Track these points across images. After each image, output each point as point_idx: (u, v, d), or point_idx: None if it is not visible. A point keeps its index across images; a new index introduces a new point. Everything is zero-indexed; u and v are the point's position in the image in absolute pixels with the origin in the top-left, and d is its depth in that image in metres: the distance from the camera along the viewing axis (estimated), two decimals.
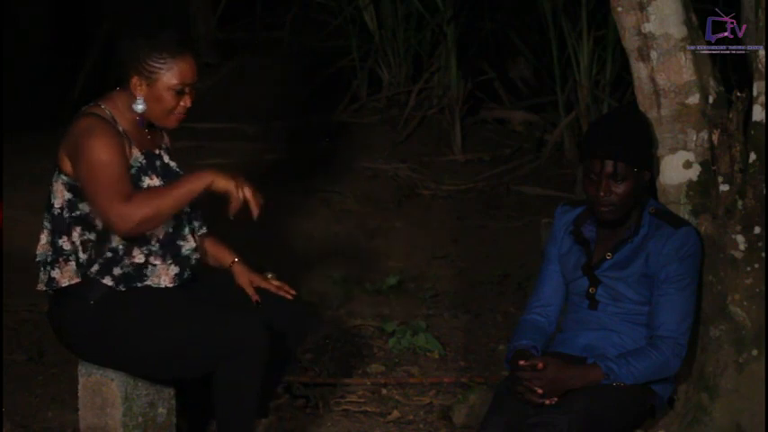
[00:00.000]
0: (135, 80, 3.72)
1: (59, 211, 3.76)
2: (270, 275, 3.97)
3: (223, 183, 3.64)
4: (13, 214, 6.05)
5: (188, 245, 3.82)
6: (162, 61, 3.71)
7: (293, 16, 8.63)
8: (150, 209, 3.61)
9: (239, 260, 3.98)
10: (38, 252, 3.81)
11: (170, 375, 3.88)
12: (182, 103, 3.76)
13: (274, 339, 3.72)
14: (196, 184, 3.65)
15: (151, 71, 3.71)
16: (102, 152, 3.63)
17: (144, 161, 3.76)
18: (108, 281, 3.74)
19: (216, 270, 3.99)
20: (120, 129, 3.73)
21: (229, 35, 8.97)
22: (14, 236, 5.72)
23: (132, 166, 3.73)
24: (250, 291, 3.92)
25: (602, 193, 3.68)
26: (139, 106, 3.74)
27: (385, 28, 7.96)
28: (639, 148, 3.74)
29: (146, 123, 3.79)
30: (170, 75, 3.72)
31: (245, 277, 3.95)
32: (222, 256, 3.99)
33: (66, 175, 3.73)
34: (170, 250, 3.78)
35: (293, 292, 3.95)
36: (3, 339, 5.00)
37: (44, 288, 3.80)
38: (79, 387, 3.90)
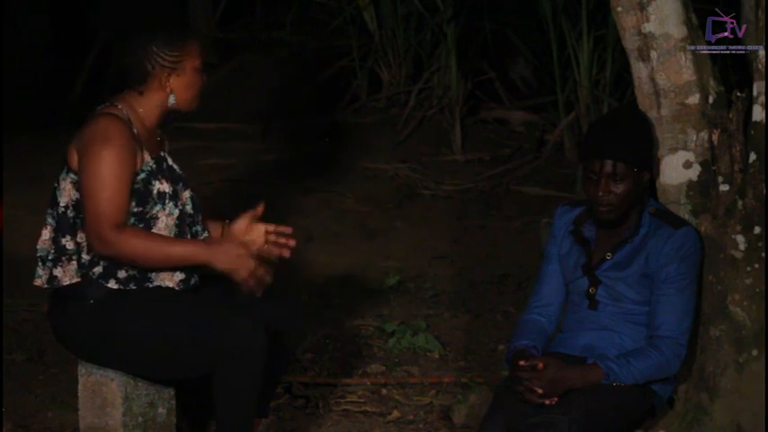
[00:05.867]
0: (163, 77, 3.76)
1: (64, 209, 3.76)
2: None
3: (221, 267, 3.69)
4: (13, 214, 6.06)
5: None
6: (182, 48, 3.77)
7: (293, 16, 8.63)
8: (137, 252, 3.67)
9: (227, 223, 3.95)
10: (39, 247, 3.81)
11: (169, 375, 3.88)
12: (204, 79, 3.84)
13: (274, 339, 3.72)
14: (191, 256, 3.70)
15: (177, 61, 3.76)
16: (111, 165, 3.65)
17: (154, 165, 3.77)
18: (113, 284, 3.74)
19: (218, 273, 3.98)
20: (135, 131, 3.74)
21: (229, 35, 8.98)
22: (14, 236, 5.73)
23: (143, 171, 3.74)
24: (246, 238, 3.85)
25: (600, 193, 3.68)
26: (172, 100, 3.80)
27: (385, 28, 7.97)
28: (639, 148, 3.74)
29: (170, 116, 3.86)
30: (192, 57, 3.80)
31: (238, 225, 3.89)
32: (213, 229, 3.96)
33: (74, 173, 3.73)
34: None
35: (292, 243, 3.88)
36: (3, 339, 5.00)
37: (44, 285, 3.80)
38: (79, 387, 3.89)
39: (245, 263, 3.69)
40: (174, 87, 3.78)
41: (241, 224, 3.89)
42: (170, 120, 3.87)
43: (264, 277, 3.73)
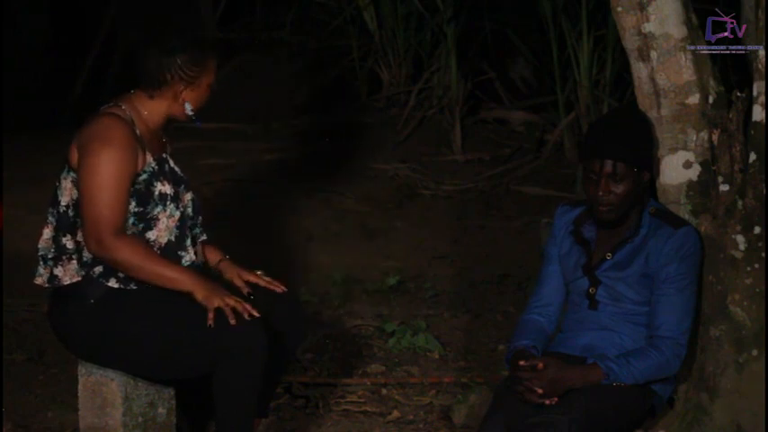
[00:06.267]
0: (179, 89, 3.78)
1: (65, 209, 3.77)
2: (259, 272, 3.98)
3: (201, 298, 3.68)
4: (13, 214, 6.06)
5: (188, 256, 3.82)
6: (204, 66, 3.80)
7: (293, 16, 8.63)
8: (132, 262, 3.68)
9: (227, 258, 3.99)
10: (40, 246, 3.81)
11: (169, 375, 3.88)
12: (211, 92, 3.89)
13: (274, 339, 3.72)
14: (178, 282, 3.71)
15: (195, 76, 3.79)
16: (110, 166, 3.65)
17: (156, 167, 3.78)
18: (113, 283, 3.75)
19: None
20: (138, 132, 3.75)
21: (229, 35, 8.98)
22: (14, 236, 5.73)
23: (144, 172, 3.74)
24: (239, 283, 3.93)
25: (600, 193, 3.68)
26: (190, 109, 3.82)
27: (385, 28, 7.97)
28: (639, 148, 3.74)
29: (185, 120, 3.88)
30: (209, 74, 3.83)
31: (232, 271, 3.96)
32: (210, 255, 4.00)
33: (75, 172, 3.74)
34: (170, 259, 3.78)
35: (283, 288, 3.95)
36: (3, 339, 5.00)
37: (45, 284, 3.81)
38: (79, 387, 3.90)
39: (221, 302, 3.67)
40: (185, 99, 3.80)
41: (236, 272, 3.96)
42: (198, 123, 3.90)
43: (250, 312, 3.70)
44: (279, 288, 3.94)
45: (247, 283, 3.94)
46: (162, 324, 3.71)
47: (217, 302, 3.66)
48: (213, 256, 4.00)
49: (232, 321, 3.63)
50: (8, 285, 5.44)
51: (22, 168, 6.71)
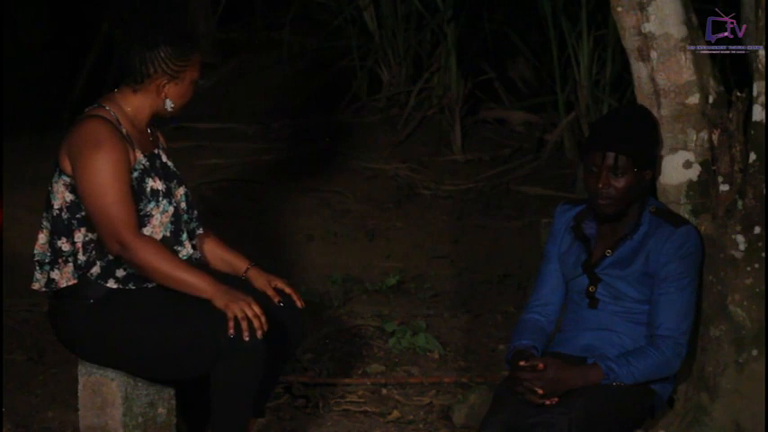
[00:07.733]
0: (161, 82, 3.76)
1: (59, 212, 3.76)
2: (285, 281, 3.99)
3: (221, 306, 3.65)
4: (13, 214, 6.06)
5: (184, 250, 3.82)
6: (188, 60, 3.78)
7: (293, 16, 8.63)
8: (153, 262, 3.66)
9: (254, 265, 3.99)
10: (36, 251, 3.81)
11: (169, 375, 3.88)
12: (196, 90, 3.86)
13: (273, 339, 3.72)
14: (198, 289, 3.68)
15: (178, 70, 3.77)
16: (106, 169, 3.65)
17: (146, 163, 3.77)
18: (112, 283, 3.74)
19: (221, 272, 3.97)
20: (124, 131, 3.74)
21: (229, 35, 8.97)
22: (14, 236, 5.73)
23: (135, 170, 3.74)
24: (270, 292, 3.92)
25: (600, 185, 3.68)
26: (171, 106, 3.80)
27: (385, 28, 7.96)
28: (642, 145, 3.73)
29: (163, 120, 3.86)
30: (193, 69, 3.80)
31: (263, 279, 3.95)
32: (236, 262, 3.99)
33: (67, 175, 3.73)
34: None
35: (302, 303, 3.96)
36: (3, 339, 5.00)
37: (42, 288, 3.80)
38: (79, 387, 3.90)
39: (240, 313, 3.65)
40: (168, 94, 3.79)
41: (266, 280, 3.94)
42: (175, 123, 3.88)
43: (261, 326, 3.68)
44: (299, 302, 3.94)
45: (275, 288, 3.94)
46: (162, 324, 3.71)
47: (237, 312, 3.64)
48: (240, 264, 3.99)
49: (245, 337, 3.61)
50: (8, 285, 5.44)
51: (22, 168, 6.71)
